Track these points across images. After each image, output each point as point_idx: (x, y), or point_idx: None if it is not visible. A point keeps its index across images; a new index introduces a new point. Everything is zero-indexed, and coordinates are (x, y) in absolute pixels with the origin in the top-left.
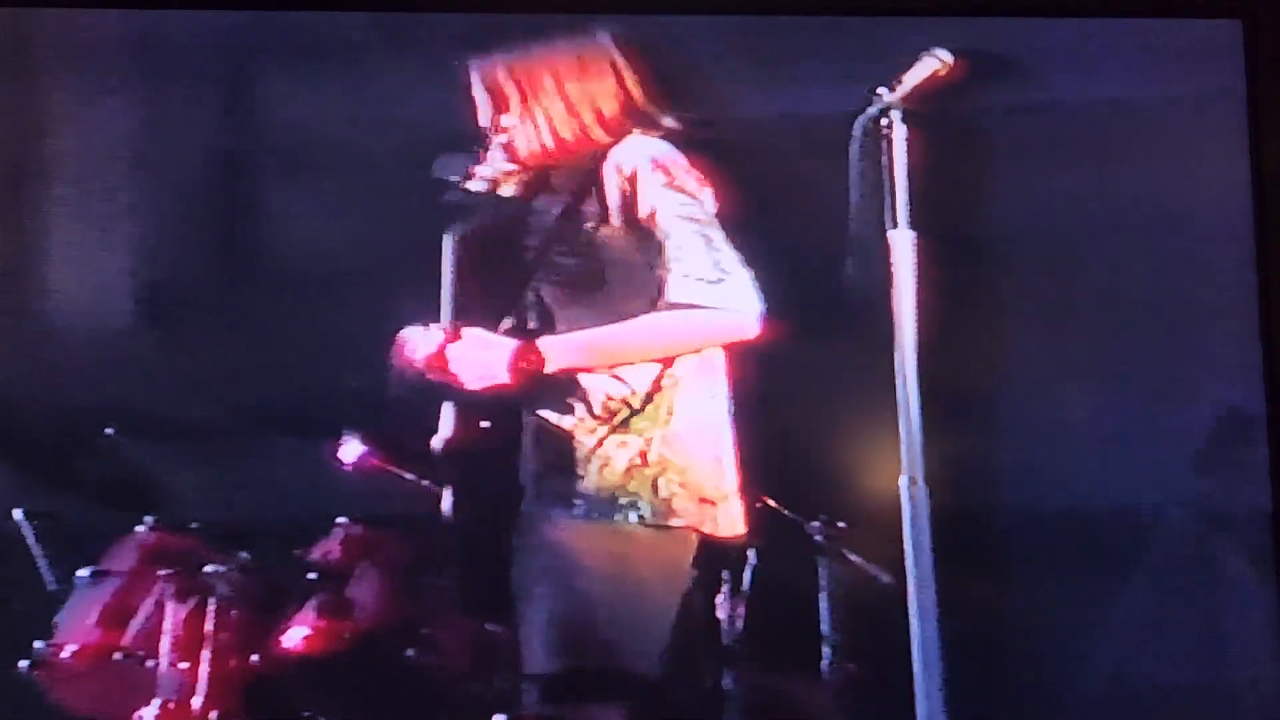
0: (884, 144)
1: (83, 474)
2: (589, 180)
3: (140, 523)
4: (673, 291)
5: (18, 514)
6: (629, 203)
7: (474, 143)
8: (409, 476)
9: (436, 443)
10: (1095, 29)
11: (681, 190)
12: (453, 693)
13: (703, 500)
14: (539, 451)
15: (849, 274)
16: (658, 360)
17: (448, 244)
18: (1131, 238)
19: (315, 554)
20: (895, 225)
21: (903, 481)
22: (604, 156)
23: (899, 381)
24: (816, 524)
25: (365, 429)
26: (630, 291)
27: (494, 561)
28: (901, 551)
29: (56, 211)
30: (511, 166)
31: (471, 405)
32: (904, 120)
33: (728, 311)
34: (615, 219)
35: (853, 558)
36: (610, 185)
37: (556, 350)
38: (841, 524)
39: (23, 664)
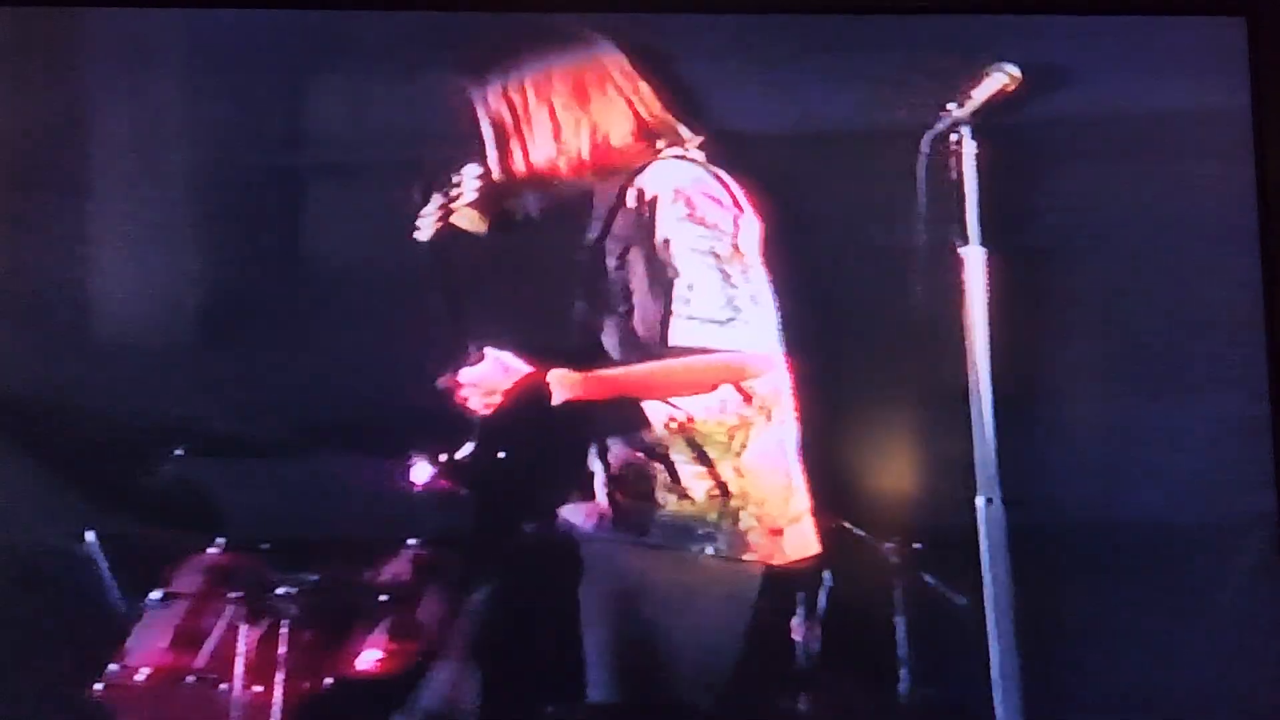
0: (952, 160)
1: (151, 495)
2: (618, 202)
3: (211, 544)
4: (676, 334)
5: (90, 537)
6: (648, 231)
7: None
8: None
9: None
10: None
11: (701, 222)
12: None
13: (772, 531)
14: (614, 479)
15: (917, 291)
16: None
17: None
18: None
19: (385, 576)
20: (966, 241)
21: (979, 501)
22: (632, 178)
23: (972, 399)
24: (891, 545)
25: (434, 449)
26: (649, 317)
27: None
28: (977, 571)
29: (117, 226)
30: (472, 195)
31: (522, 430)
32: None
33: (735, 354)
34: (636, 245)
35: (928, 579)
36: (631, 210)
37: (565, 385)
38: (917, 545)
39: (96, 687)
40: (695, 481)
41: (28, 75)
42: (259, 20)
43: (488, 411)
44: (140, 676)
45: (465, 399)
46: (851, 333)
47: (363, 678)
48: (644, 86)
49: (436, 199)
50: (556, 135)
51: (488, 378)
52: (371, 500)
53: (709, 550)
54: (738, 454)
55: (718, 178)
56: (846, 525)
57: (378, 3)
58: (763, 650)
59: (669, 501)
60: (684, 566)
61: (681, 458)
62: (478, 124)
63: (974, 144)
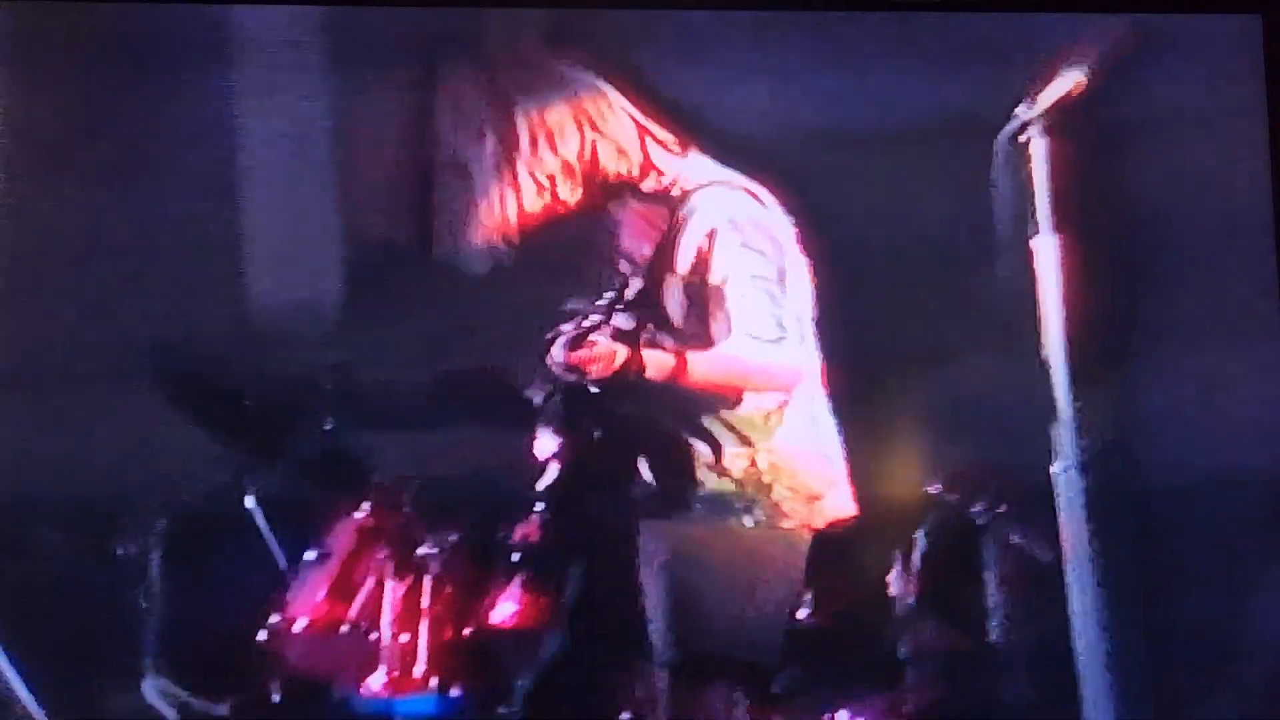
0: (1023, 157)
1: (305, 462)
2: (674, 224)
3: (358, 508)
4: (732, 347)
5: (250, 501)
6: (705, 257)
7: None
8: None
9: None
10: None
11: (752, 249)
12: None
13: (809, 498)
14: (662, 459)
15: (997, 277)
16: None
17: None
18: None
19: (517, 535)
20: (1038, 232)
21: (1057, 467)
22: (684, 199)
23: (1052, 373)
24: (978, 508)
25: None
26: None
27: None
28: (1059, 532)
29: (265, 203)
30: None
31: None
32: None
33: (784, 369)
34: (691, 269)
35: (1014, 537)
36: (690, 237)
37: (657, 365)
38: (1002, 507)
39: (260, 636)
40: (734, 461)
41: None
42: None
43: (594, 383)
44: (299, 627)
45: (588, 368)
46: (929, 317)
47: (499, 629)
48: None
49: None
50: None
51: (602, 352)
52: (503, 468)
53: (747, 521)
54: (771, 434)
55: (756, 197)
56: (934, 490)
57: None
58: (856, 604)
59: (709, 479)
60: (731, 538)
61: (723, 440)
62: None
63: (1044, 141)
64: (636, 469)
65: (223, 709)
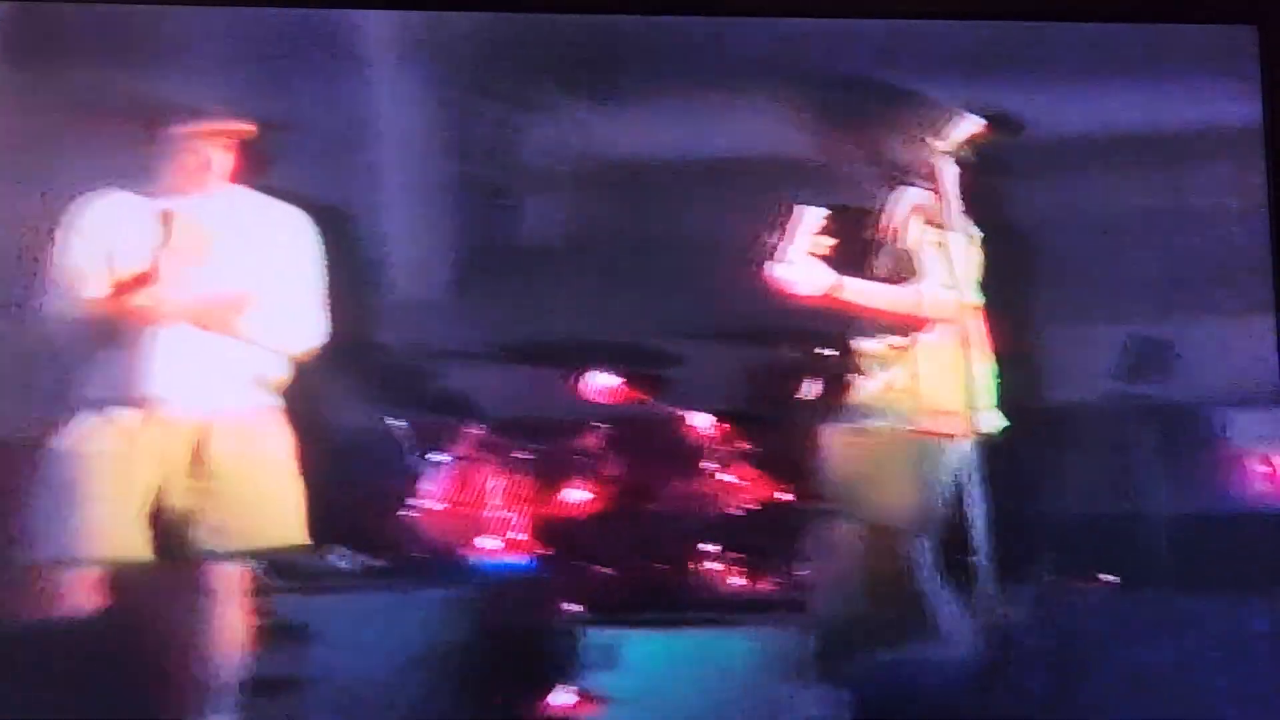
0: None
1: (435, 395)
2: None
3: (473, 426)
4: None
5: (393, 420)
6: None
7: None
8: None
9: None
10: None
11: (934, 225)
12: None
13: (942, 413)
14: (825, 378)
15: None
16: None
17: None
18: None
19: (580, 444)
20: None
21: None
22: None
23: None
24: None
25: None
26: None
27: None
28: None
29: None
30: None
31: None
32: None
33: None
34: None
35: None
36: (893, 218)
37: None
38: None
39: (401, 512)
40: (878, 378)
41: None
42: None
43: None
44: (432, 506)
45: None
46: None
47: (572, 508)
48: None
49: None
50: None
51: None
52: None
53: (888, 425)
54: (914, 361)
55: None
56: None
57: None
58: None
59: (860, 393)
60: (875, 439)
61: (871, 365)
62: None
63: None
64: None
65: (381, 562)
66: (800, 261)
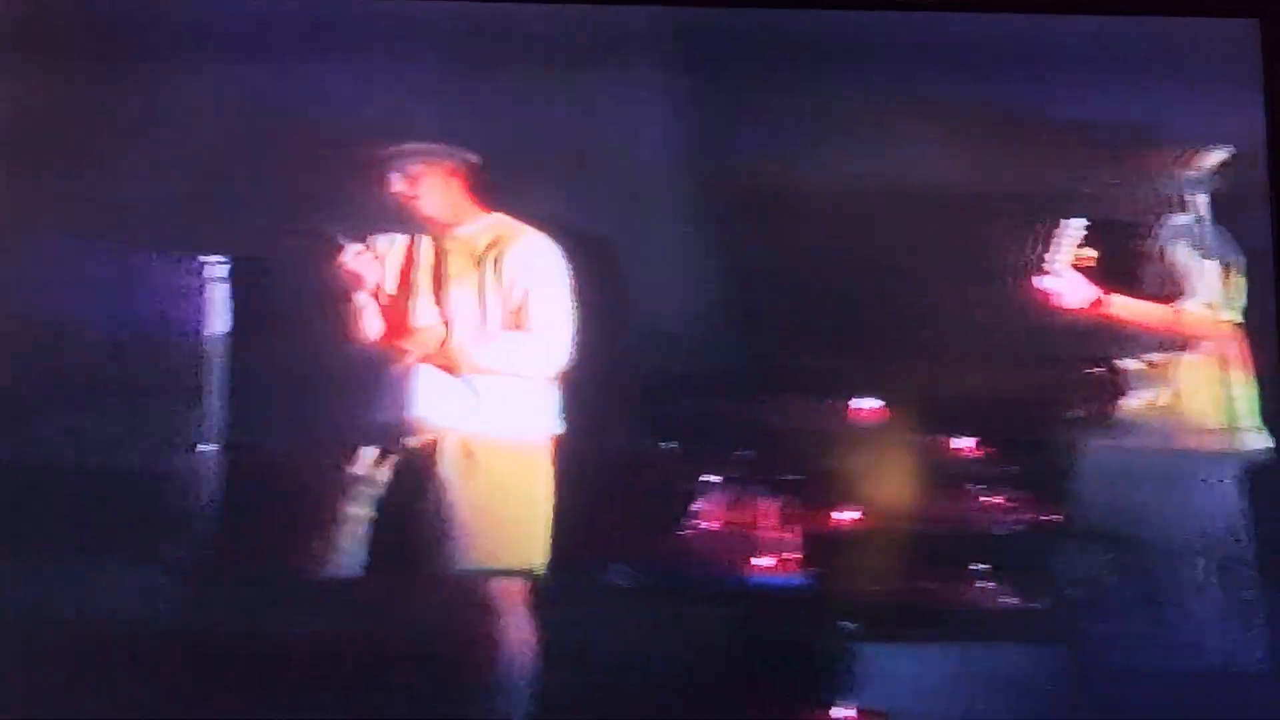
0: None
1: (698, 417)
2: None
3: (740, 449)
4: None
5: (664, 443)
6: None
7: None
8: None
9: None
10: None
11: (1196, 247)
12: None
13: (1206, 431)
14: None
15: None
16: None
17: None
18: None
19: (846, 466)
20: None
21: None
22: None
23: None
24: None
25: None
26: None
27: None
28: None
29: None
30: None
31: None
32: None
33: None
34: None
35: None
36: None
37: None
38: None
39: (679, 533)
40: (1142, 392)
41: None
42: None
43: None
44: (706, 525)
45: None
46: None
47: (839, 528)
48: None
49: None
50: None
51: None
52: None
53: (1152, 443)
54: (1176, 379)
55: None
56: None
57: None
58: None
59: (1123, 410)
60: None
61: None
62: None
63: None
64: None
65: (660, 580)
66: (1065, 274)
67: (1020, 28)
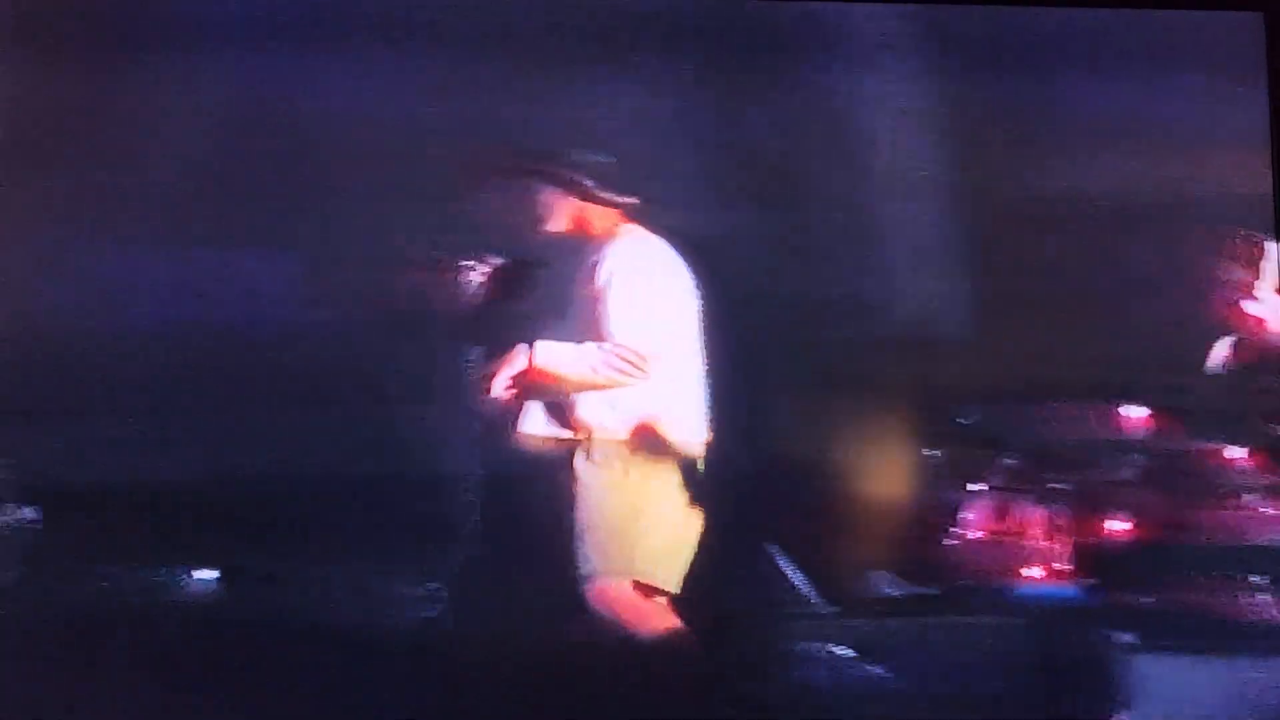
0: None
1: (959, 426)
2: None
3: (1004, 457)
4: None
5: (927, 451)
6: None
7: None
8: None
9: None
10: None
11: None
12: None
13: None
14: None
15: None
16: None
17: None
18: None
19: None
20: None
21: None
22: None
23: None
24: None
25: None
26: None
27: None
28: None
29: None
30: None
31: None
32: None
33: None
34: None
35: None
36: None
37: None
38: None
39: (946, 541)
40: None
41: None
42: None
43: None
44: (972, 535)
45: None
46: None
47: (1111, 541)
48: None
49: None
50: None
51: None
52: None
53: None
54: None
55: None
56: None
57: None
58: None
59: None
60: None
61: None
62: None
63: None
64: None
65: (932, 590)
66: (1271, 299)
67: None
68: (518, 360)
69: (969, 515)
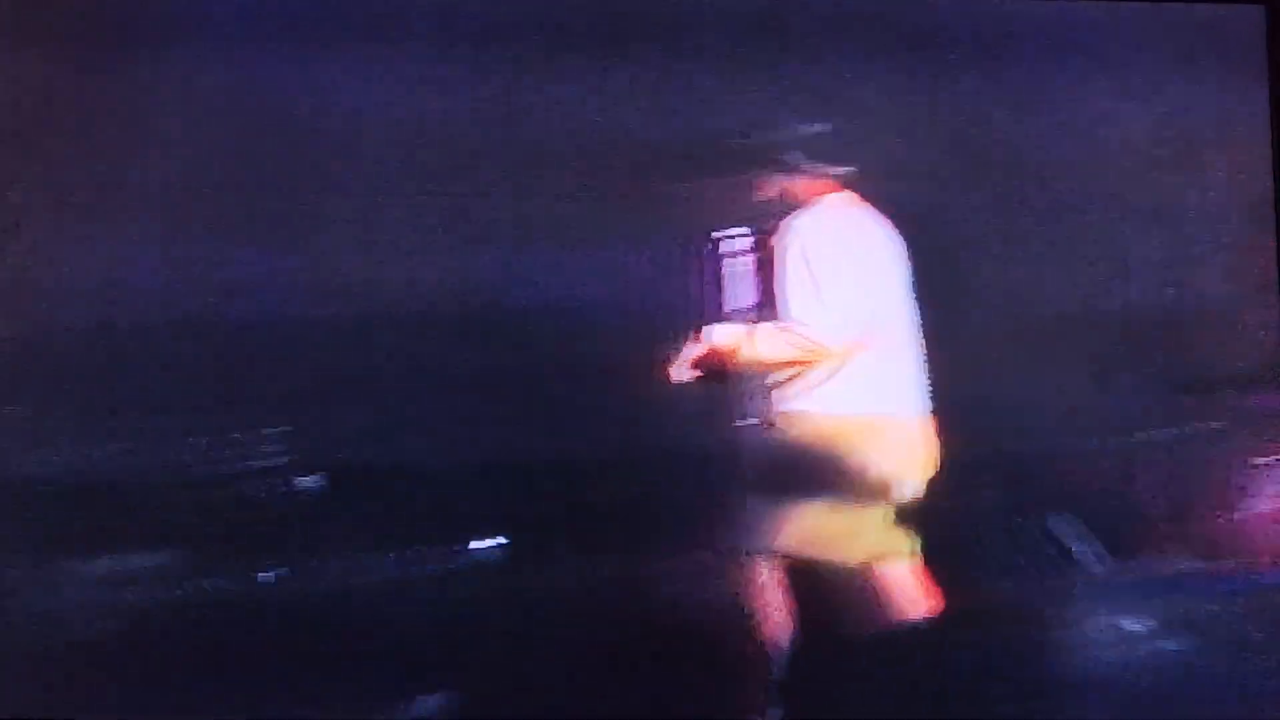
0: None
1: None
2: None
3: None
4: None
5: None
6: None
7: None
8: None
9: None
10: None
11: None
12: None
13: None
14: None
15: None
16: None
17: None
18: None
19: None
20: None
21: None
22: None
23: None
24: None
25: None
26: None
27: None
28: None
29: None
30: None
31: None
32: None
33: None
34: None
35: None
36: None
37: None
38: None
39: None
40: None
41: None
42: None
43: None
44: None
45: None
46: None
47: None
48: None
49: None
50: None
51: None
52: None
53: None
54: None
55: None
56: None
57: None
58: None
59: None
60: None
61: None
62: None
63: None
64: None
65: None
66: None
67: None
68: (699, 343)
69: (1256, 490)
